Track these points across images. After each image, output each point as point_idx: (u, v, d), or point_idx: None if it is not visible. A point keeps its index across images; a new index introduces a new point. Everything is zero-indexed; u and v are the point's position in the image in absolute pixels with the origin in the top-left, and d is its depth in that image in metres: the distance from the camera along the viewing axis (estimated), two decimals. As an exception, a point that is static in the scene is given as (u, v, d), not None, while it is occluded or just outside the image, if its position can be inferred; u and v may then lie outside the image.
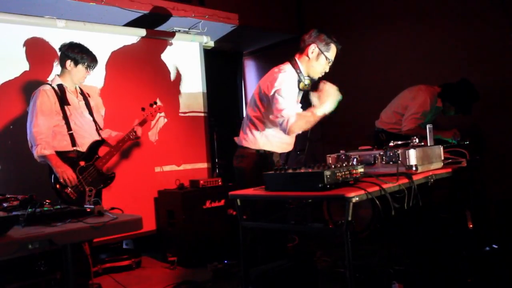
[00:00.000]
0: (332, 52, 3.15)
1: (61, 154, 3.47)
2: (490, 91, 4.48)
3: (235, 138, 3.36)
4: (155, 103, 4.17)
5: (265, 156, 3.17)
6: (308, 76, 3.18)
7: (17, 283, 3.57)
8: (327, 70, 3.22)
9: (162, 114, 4.92)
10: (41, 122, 3.42)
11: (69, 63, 3.57)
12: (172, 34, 5.41)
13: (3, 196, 2.40)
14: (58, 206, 2.07)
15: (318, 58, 3.13)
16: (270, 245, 3.11)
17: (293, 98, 3.02)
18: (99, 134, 3.76)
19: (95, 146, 3.68)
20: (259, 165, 3.12)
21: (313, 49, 3.10)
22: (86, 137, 3.64)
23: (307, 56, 3.12)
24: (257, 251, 3.07)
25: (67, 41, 3.67)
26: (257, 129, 3.17)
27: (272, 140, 3.17)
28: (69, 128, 3.54)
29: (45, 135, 3.43)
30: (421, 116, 4.17)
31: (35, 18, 4.46)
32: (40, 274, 3.67)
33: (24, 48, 4.41)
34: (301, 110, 3.19)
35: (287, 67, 3.15)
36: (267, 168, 3.07)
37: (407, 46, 5.22)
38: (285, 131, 2.91)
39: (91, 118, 3.73)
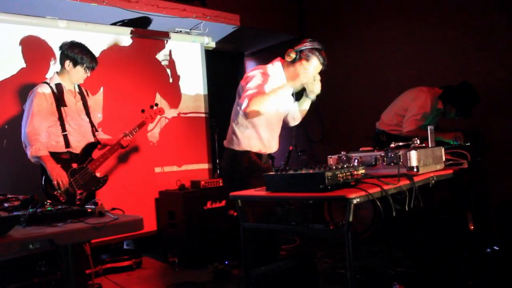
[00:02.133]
0: (313, 65, 3.09)
1: (54, 155, 3.41)
2: (492, 93, 4.48)
3: (224, 141, 3.34)
4: (156, 105, 4.14)
5: (250, 157, 3.15)
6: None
7: (18, 283, 3.57)
8: (304, 81, 3.14)
9: (164, 115, 4.88)
10: (36, 123, 3.37)
11: (68, 63, 3.51)
12: (173, 35, 5.42)
13: (4, 196, 2.40)
14: (59, 207, 2.07)
15: (295, 65, 3.11)
16: (262, 247, 3.07)
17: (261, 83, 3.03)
18: (94, 136, 3.69)
19: (89, 148, 3.62)
20: (244, 166, 3.12)
21: (291, 52, 3.08)
22: (80, 139, 3.57)
23: (286, 58, 3.11)
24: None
25: (68, 40, 3.62)
26: (239, 130, 3.17)
27: (253, 141, 3.16)
28: (63, 129, 3.48)
29: (40, 136, 3.38)
30: (422, 118, 4.17)
31: (36, 19, 4.46)
32: (40, 274, 3.67)
33: (21, 47, 4.39)
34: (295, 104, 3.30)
35: (271, 64, 3.19)
36: (252, 170, 3.10)
37: (408, 46, 5.22)
38: (245, 114, 2.95)
39: (88, 120, 3.67)
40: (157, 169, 5.20)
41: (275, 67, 3.18)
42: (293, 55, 3.07)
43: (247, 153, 3.15)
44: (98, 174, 3.63)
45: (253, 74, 3.08)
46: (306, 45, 3.07)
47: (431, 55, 4.98)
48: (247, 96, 2.92)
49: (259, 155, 3.19)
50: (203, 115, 5.70)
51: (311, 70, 3.10)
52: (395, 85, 4.63)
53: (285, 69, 3.17)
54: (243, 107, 2.92)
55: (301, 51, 3.07)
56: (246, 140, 3.15)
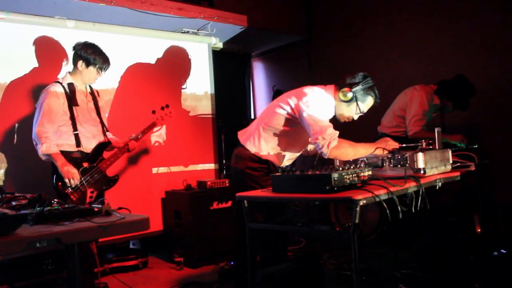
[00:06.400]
0: (367, 104, 2.97)
1: (65, 154, 3.44)
2: (500, 94, 4.45)
3: (239, 132, 3.20)
4: (167, 106, 4.15)
5: (262, 162, 3.04)
6: (334, 115, 3.03)
7: (25, 281, 3.59)
8: (355, 118, 3.04)
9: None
10: (46, 121, 3.41)
11: (80, 64, 3.55)
12: (180, 35, 5.44)
13: (12, 195, 2.42)
14: (66, 205, 2.08)
15: (350, 104, 2.95)
16: (270, 249, 3.02)
17: (328, 117, 2.90)
18: (105, 136, 3.73)
19: (100, 147, 3.64)
20: (256, 168, 3.03)
21: (348, 92, 2.90)
22: (91, 138, 3.61)
23: (340, 96, 2.93)
24: (257, 255, 3.01)
25: (81, 40, 3.64)
26: (265, 138, 3.02)
27: (273, 153, 3.04)
28: (75, 128, 3.52)
29: (50, 133, 3.42)
30: (423, 116, 4.17)
31: (45, 18, 4.49)
32: (47, 273, 3.69)
33: (34, 47, 4.43)
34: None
35: (325, 91, 2.99)
36: (263, 173, 3.03)
37: (416, 46, 5.19)
38: (325, 155, 2.75)
39: (99, 120, 3.71)
40: (164, 169, 5.21)
41: (329, 99, 2.98)
42: (349, 96, 2.90)
43: (257, 156, 3.03)
44: (108, 174, 3.66)
45: (316, 99, 2.88)
46: (363, 85, 2.91)
47: (441, 56, 4.95)
48: (326, 137, 2.72)
49: (273, 164, 3.09)
50: (210, 115, 5.71)
51: (365, 110, 2.99)
52: (403, 86, 4.60)
53: (336, 102, 3.00)
54: (324, 151, 2.73)
55: (357, 91, 2.91)
56: (266, 149, 3.02)
